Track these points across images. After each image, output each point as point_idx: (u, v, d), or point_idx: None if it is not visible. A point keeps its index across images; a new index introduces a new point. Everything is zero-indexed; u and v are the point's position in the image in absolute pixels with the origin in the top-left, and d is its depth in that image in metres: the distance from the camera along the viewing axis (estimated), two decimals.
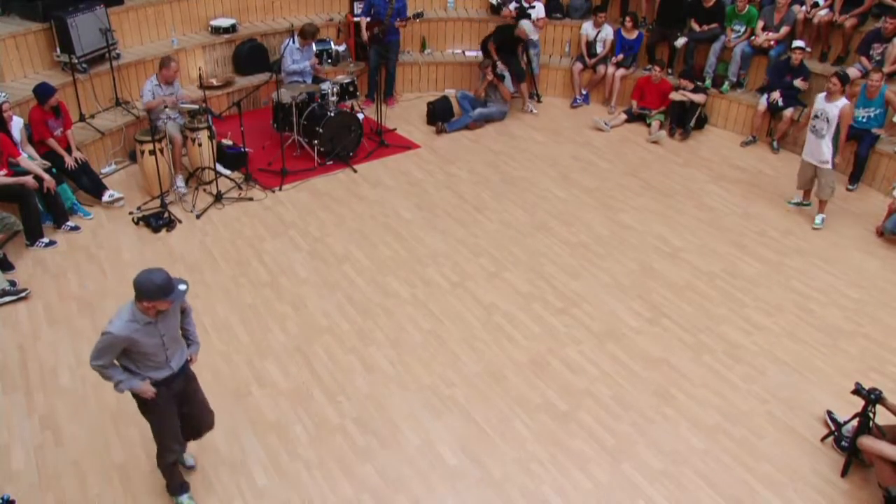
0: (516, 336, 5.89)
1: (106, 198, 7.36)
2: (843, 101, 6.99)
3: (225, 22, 9.57)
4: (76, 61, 7.97)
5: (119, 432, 4.87)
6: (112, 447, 4.77)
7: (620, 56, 10.04)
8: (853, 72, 8.53)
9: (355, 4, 10.15)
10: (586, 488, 4.59)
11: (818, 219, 7.51)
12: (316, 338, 5.80)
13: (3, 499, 4.24)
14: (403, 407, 5.17)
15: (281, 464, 4.69)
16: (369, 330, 5.90)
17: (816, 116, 7.18)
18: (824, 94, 7.14)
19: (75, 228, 7.01)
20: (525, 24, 9.53)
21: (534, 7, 9.92)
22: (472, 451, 4.82)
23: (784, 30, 9.16)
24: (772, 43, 9.19)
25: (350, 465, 4.69)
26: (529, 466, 4.73)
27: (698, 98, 9.27)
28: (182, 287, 3.87)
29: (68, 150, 7.21)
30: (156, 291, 3.72)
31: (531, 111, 9.92)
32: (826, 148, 7.15)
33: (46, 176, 6.68)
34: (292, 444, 4.83)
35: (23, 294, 6.08)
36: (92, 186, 7.36)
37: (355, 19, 9.99)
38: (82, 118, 8.05)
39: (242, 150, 8.01)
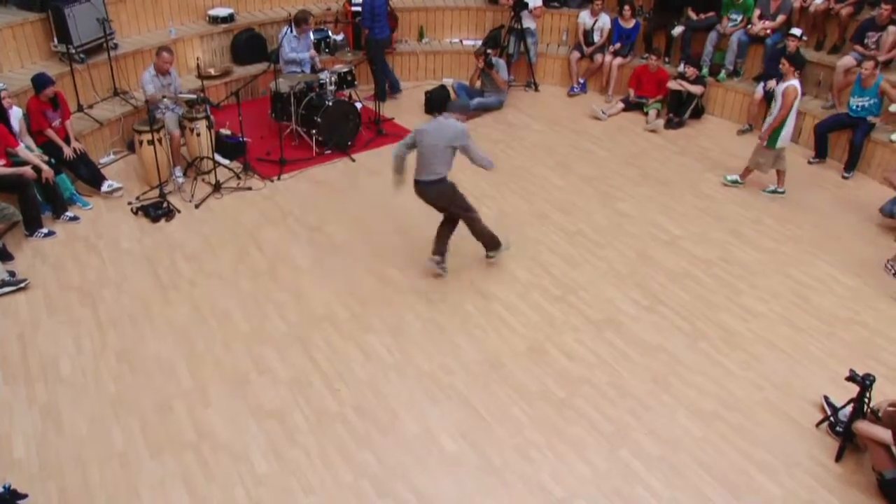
0: (514, 324, 5.90)
1: (105, 188, 7.36)
2: (790, 82, 7.30)
3: (223, 11, 9.54)
4: (73, 51, 7.94)
5: (119, 420, 4.89)
6: (113, 435, 4.78)
7: (618, 45, 10.02)
8: (848, 60, 8.53)
9: None
10: (584, 474, 4.61)
11: (731, 176, 8.02)
12: (315, 326, 5.81)
13: (4, 487, 4.26)
14: (402, 394, 5.18)
15: (281, 451, 4.71)
16: (368, 318, 5.91)
17: (773, 97, 7.60)
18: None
19: (74, 219, 7.01)
20: None
21: None
22: (470, 438, 4.84)
23: (780, 18, 9.13)
24: (768, 31, 9.17)
25: (349, 453, 4.71)
26: (528, 453, 4.75)
27: (695, 89, 9.26)
28: None
29: (67, 140, 7.20)
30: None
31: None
32: (767, 125, 7.47)
33: (45, 166, 6.68)
34: (292, 431, 4.85)
35: (22, 284, 6.08)
36: (90, 177, 7.35)
37: (353, 8, 9.97)
38: (80, 108, 8.03)
39: (241, 139, 8.01)
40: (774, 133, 7.42)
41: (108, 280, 6.26)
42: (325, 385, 5.24)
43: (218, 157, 7.82)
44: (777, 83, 7.77)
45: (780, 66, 7.46)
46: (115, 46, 8.47)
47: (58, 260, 6.50)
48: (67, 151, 7.13)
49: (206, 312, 5.91)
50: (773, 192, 7.83)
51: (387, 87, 9.66)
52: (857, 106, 8.10)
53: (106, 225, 7.02)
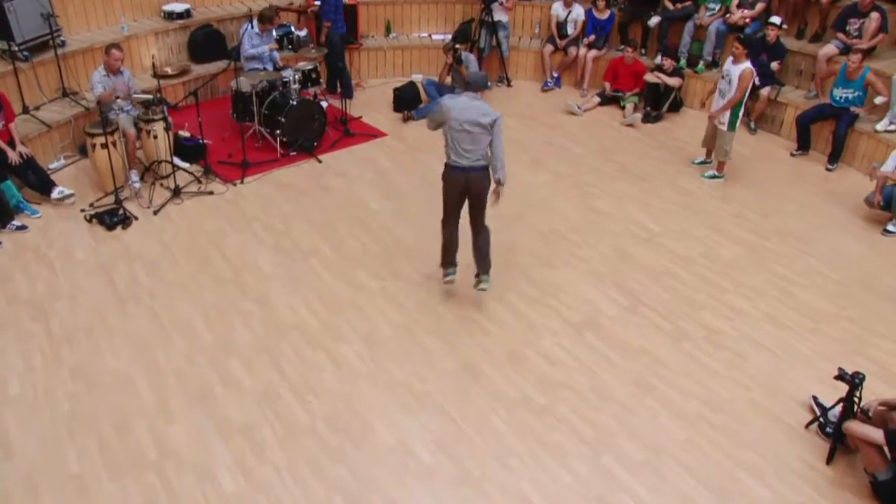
0: (491, 328, 5.74)
1: (55, 195, 7.04)
2: (745, 65, 7.27)
3: (178, 7, 9.23)
4: (16, 49, 7.59)
5: (75, 441, 4.65)
6: (67, 458, 4.54)
7: (592, 37, 9.89)
8: (830, 49, 8.45)
9: None
10: (566, 482, 4.49)
11: (708, 173, 7.89)
12: (282, 335, 5.61)
13: None
14: (376, 405, 5.01)
15: (249, 468, 4.53)
16: (338, 326, 5.72)
17: (723, 77, 7.49)
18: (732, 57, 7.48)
19: (22, 228, 6.69)
20: None
21: None
22: (447, 448, 4.70)
23: (759, 6, 9.04)
24: (747, 20, 9.07)
25: (322, 467, 4.54)
26: (507, 462, 4.62)
27: (672, 82, 9.14)
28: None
29: (11, 144, 6.86)
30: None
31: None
32: (718, 106, 7.47)
33: None
34: (260, 446, 4.67)
35: None
36: (39, 183, 7.03)
37: (315, 1, 9.71)
38: (26, 110, 7.68)
39: (201, 141, 7.77)
40: (734, 116, 7.43)
41: (61, 292, 5.98)
42: (294, 397, 5.04)
43: (177, 161, 7.58)
44: (758, 79, 7.72)
45: (734, 49, 7.39)
46: (63, 44, 8.13)
47: (4, 272, 6.20)
48: (13, 156, 6.79)
49: (167, 324, 5.67)
50: (703, 162, 8.05)
51: (338, 85, 9.44)
52: (841, 97, 8.02)
53: (57, 234, 6.72)
